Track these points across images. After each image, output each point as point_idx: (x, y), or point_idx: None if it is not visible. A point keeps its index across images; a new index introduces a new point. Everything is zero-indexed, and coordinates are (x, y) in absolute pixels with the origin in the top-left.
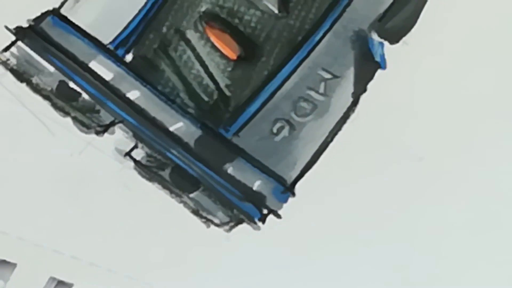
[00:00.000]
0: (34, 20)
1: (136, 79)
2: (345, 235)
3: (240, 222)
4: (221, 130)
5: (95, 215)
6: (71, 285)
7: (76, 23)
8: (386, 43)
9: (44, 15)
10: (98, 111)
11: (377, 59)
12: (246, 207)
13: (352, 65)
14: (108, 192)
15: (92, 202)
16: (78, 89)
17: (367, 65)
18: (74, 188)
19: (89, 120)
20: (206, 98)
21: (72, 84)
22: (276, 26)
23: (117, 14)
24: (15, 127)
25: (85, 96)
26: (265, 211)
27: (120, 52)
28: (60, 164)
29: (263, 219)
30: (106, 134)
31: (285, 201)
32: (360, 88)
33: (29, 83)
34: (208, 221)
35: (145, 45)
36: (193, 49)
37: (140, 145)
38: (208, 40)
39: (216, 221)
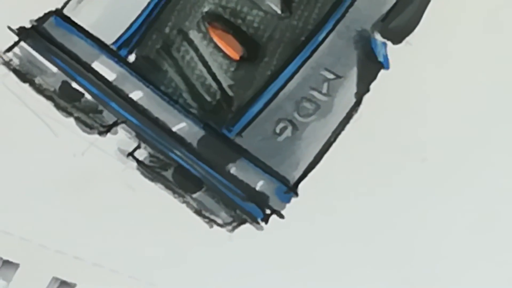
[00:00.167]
0: (37, 20)
1: (139, 80)
2: (347, 235)
3: (243, 222)
4: (224, 130)
5: (98, 215)
6: (74, 285)
7: (79, 23)
8: (389, 43)
9: (47, 15)
10: (101, 112)
11: (380, 59)
12: (249, 207)
13: (355, 65)
14: (111, 192)
15: (95, 202)
16: (81, 90)
17: (370, 65)
18: (77, 189)
19: (92, 121)
20: (209, 99)
21: (75, 85)
22: (279, 26)
23: (120, 14)
24: (18, 128)
25: (88, 96)
26: (268, 211)
27: (123, 52)
28: (63, 164)
29: (266, 219)
30: (109, 135)
31: (288, 201)
32: (363, 88)
33: (32, 84)
34: (211, 221)
35: (148, 46)
36: (196, 50)
37: (143, 145)
38: (211, 40)
39: (219, 221)
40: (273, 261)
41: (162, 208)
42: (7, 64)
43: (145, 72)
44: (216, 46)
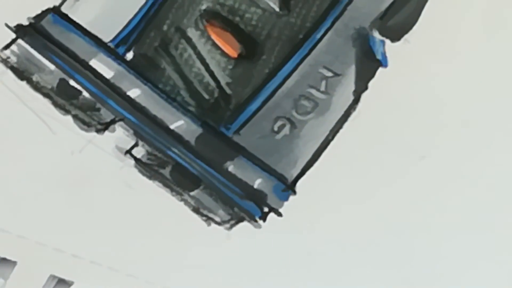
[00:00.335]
0: (35, 18)
1: (136, 77)
2: (345, 234)
3: (241, 220)
4: (222, 128)
5: (95, 213)
6: (72, 283)
7: (77, 21)
8: (387, 41)
9: (45, 13)
10: (98, 109)
11: (379, 57)
12: (247, 205)
13: (353, 63)
14: (109, 190)
15: (93, 200)
16: (79, 87)
17: (368, 63)
18: (75, 186)
19: (90, 118)
20: (207, 96)
21: (72, 82)
22: (277, 24)
23: (118, 12)
24: (15, 125)
25: (85, 94)
26: (266, 209)
27: (120, 50)
28: (61, 162)
29: (264, 217)
30: (106, 132)
31: (286, 199)
32: (361, 86)
33: (30, 81)
34: (209, 219)
35: (145, 43)
36: (194, 47)
37: (140, 143)
38: (209, 38)
39: (217, 219)
40: (271, 259)
41: (160, 206)
42: (5, 61)
43: (143, 70)
44: (214, 44)
